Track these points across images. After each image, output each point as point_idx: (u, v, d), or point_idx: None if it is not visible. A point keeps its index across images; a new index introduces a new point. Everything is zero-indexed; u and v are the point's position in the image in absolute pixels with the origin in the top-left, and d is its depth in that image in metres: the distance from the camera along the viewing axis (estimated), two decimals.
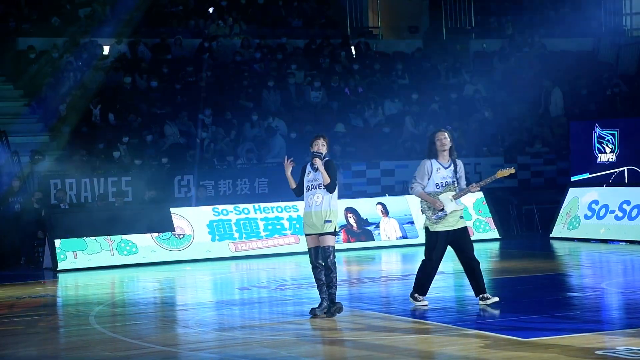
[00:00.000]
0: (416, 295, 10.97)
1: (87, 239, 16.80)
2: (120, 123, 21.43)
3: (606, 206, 18.62)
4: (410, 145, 22.95)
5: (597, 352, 8.03)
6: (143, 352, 9.03)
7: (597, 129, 19.22)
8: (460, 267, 11.18)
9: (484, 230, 19.48)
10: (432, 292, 12.31)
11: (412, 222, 19.01)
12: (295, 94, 23.96)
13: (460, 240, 10.77)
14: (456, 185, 10.71)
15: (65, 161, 20.11)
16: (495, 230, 19.51)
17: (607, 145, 19.02)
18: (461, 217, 10.78)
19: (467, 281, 11.16)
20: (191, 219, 17.75)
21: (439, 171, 10.65)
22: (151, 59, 23.83)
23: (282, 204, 18.43)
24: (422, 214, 10.97)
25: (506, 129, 24.02)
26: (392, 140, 23.07)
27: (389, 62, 25.97)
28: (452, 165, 10.71)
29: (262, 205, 18.37)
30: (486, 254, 17.72)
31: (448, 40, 28.05)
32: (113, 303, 12.83)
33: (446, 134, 10.67)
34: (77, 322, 11.08)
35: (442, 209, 10.64)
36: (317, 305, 10.52)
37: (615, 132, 18.88)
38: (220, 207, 18.19)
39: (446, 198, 10.66)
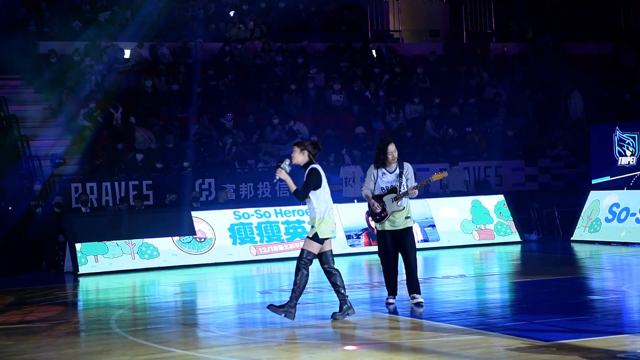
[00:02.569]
0: (387, 296, 11.43)
1: (108, 243, 16.83)
2: (142, 126, 21.46)
3: (627, 209, 18.50)
4: (431, 148, 22.88)
5: (618, 355, 7.96)
6: (164, 356, 9.02)
7: (618, 132, 19.11)
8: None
9: (505, 233, 19.38)
10: (453, 295, 12.28)
11: (433, 225, 18.94)
12: (316, 97, 23.95)
13: (403, 241, 11.28)
14: (401, 187, 11.21)
15: (86, 165, 20.19)
16: (516, 233, 19.42)
17: (627, 149, 18.92)
18: (407, 217, 11.24)
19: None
20: (212, 223, 17.76)
21: (384, 176, 11.27)
22: (172, 62, 23.89)
23: (304, 208, 18.38)
24: (369, 215, 11.78)
25: (526, 132, 23.91)
26: (413, 143, 23.01)
27: (410, 66, 25.92)
28: (398, 168, 11.23)
29: (284, 208, 18.35)
30: (507, 257, 17.65)
31: (468, 43, 27.96)
32: (134, 307, 12.84)
33: (394, 146, 11.29)
34: (98, 326, 11.10)
35: (383, 210, 11.19)
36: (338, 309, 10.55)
37: (636, 135, 18.77)
38: (242, 210, 18.18)
39: (389, 199, 11.21)
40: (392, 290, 11.38)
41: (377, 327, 10.22)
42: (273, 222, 18.17)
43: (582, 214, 19.24)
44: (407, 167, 11.32)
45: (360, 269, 16.40)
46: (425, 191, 21.40)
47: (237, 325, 10.82)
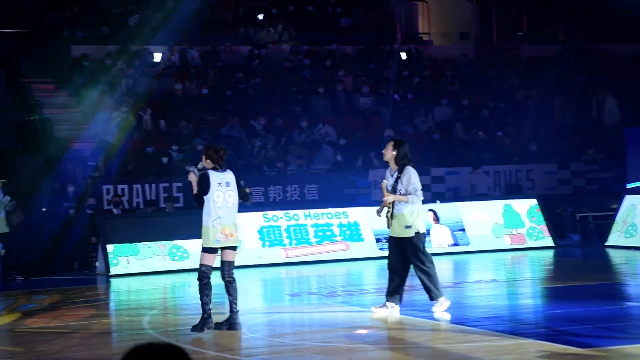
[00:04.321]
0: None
1: (139, 244, 16.91)
2: (171, 129, 21.58)
3: None
4: (460, 151, 22.80)
5: None
6: (196, 357, 9.04)
7: None
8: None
9: (537, 238, 19.24)
10: (484, 300, 12.21)
11: (463, 230, 18.85)
12: (344, 100, 23.94)
13: (404, 250, 10.95)
14: (396, 193, 11.01)
15: (118, 167, 20.30)
16: (549, 237, 19.26)
17: None
18: (407, 226, 10.91)
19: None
20: (241, 225, 17.75)
21: (388, 179, 11.13)
22: (201, 65, 23.99)
23: (332, 211, 18.39)
24: None
25: (559, 136, 23.75)
26: (442, 146, 22.94)
27: (439, 68, 25.85)
28: (397, 173, 10.98)
29: (312, 211, 18.34)
30: (540, 262, 17.53)
31: (499, 46, 27.84)
32: (165, 308, 12.90)
33: (388, 146, 11.06)
34: (130, 326, 11.15)
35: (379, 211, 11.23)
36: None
37: None
38: (271, 213, 18.19)
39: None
40: (390, 293, 11.12)
41: (407, 331, 10.19)
42: (302, 225, 18.17)
43: (617, 219, 19.00)
44: (405, 172, 10.90)
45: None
46: (455, 195, 21.37)
47: (267, 328, 10.83)
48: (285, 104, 23.27)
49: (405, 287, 13.97)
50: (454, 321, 10.49)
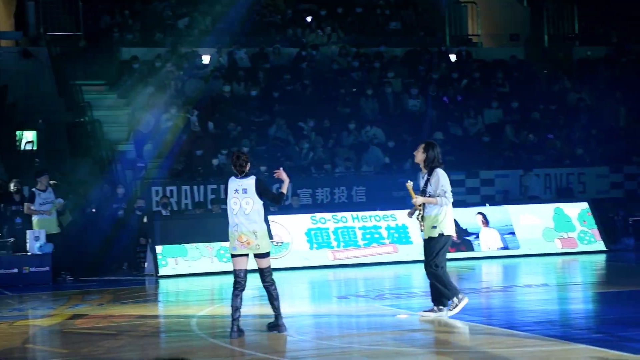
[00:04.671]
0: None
1: (188, 246, 16.98)
2: (220, 131, 21.65)
3: None
4: (510, 154, 22.59)
5: None
6: (245, 359, 9.03)
7: None
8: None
9: (589, 242, 18.96)
10: (535, 304, 12.05)
11: (513, 233, 18.65)
12: (393, 102, 23.83)
13: (425, 250, 11.00)
14: (425, 195, 10.96)
15: (166, 169, 20.43)
16: (601, 242, 18.96)
17: None
18: (433, 227, 10.90)
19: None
20: (289, 227, 17.78)
21: (420, 180, 11.10)
22: (250, 67, 24.04)
23: (380, 213, 18.31)
24: None
25: (611, 138, 23.39)
26: (492, 149, 22.74)
27: (489, 70, 25.62)
28: (427, 175, 10.94)
29: (360, 214, 18.27)
30: (591, 267, 17.28)
31: (550, 47, 27.51)
32: (213, 309, 12.91)
33: (419, 148, 11.04)
34: (178, 327, 11.18)
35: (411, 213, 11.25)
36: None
37: None
38: (318, 215, 18.17)
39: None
40: (435, 298, 11.02)
41: (457, 334, 10.07)
42: (350, 228, 18.11)
43: None
44: (434, 174, 10.86)
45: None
46: (504, 197, 21.18)
47: (314, 331, 10.78)
48: (334, 106, 23.23)
49: None
50: (504, 325, 10.34)
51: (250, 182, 9.98)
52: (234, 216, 10.04)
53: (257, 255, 10.11)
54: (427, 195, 10.85)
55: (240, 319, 10.05)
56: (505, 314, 11.18)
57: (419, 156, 10.95)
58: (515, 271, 16.81)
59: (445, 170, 11.07)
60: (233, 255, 10.18)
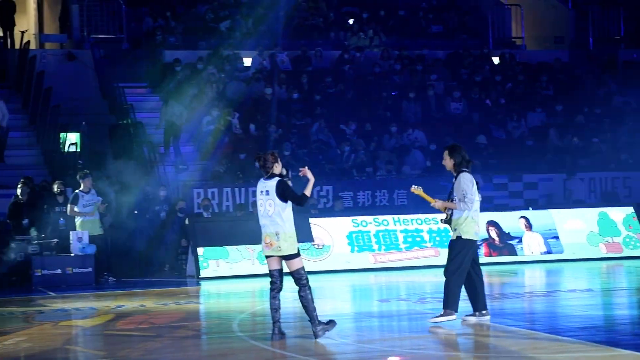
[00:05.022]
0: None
1: (229, 248, 17.00)
2: (261, 134, 21.67)
3: None
4: (554, 157, 22.35)
5: None
6: None
7: None
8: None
9: (634, 247, 18.70)
10: (580, 309, 11.88)
11: (557, 237, 18.44)
12: (435, 105, 23.70)
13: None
14: (449, 198, 10.87)
15: (208, 171, 20.49)
16: None
17: None
18: (454, 230, 10.78)
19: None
20: (330, 230, 17.73)
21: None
22: (292, 70, 24.05)
23: (422, 216, 18.19)
24: None
25: None
26: (535, 152, 22.53)
27: (533, 73, 25.39)
28: (454, 179, 10.81)
29: (402, 217, 18.18)
30: (637, 272, 17.03)
31: (595, 50, 27.19)
32: (254, 312, 12.90)
33: (445, 155, 10.89)
34: (220, 329, 11.19)
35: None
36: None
37: None
38: (360, 218, 18.10)
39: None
40: (474, 303, 10.87)
41: (500, 338, 9.95)
42: (391, 231, 18.03)
43: None
44: (458, 178, 10.71)
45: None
46: (548, 202, 20.96)
47: (356, 334, 10.72)
48: (375, 109, 23.15)
49: (496, 295, 13.77)
50: (547, 330, 10.21)
51: (272, 183, 9.96)
52: (260, 217, 10.11)
53: (286, 257, 10.01)
54: (451, 199, 10.73)
55: (280, 320, 10.00)
56: (549, 319, 11.04)
57: (448, 162, 10.81)
58: (559, 276, 16.61)
59: (476, 171, 10.98)
60: (265, 256, 10.17)
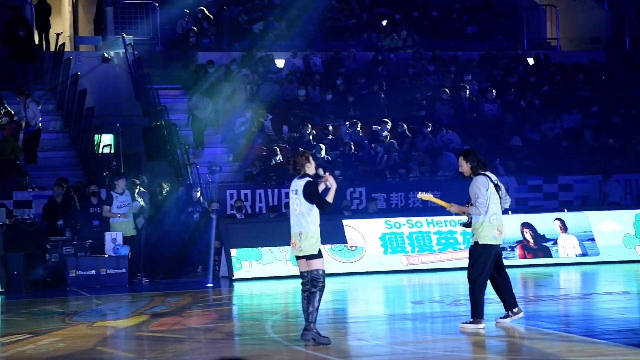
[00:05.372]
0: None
1: (262, 249, 17.00)
2: (294, 135, 21.65)
3: None
4: (589, 159, 22.14)
5: None
6: None
7: None
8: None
9: None
10: (616, 312, 11.74)
11: (592, 239, 18.25)
12: (469, 106, 23.57)
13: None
14: (468, 202, 10.78)
15: (241, 172, 20.51)
16: None
17: None
18: (473, 234, 10.69)
19: None
20: (363, 231, 17.68)
21: None
22: (324, 72, 24.03)
23: (456, 218, 18.05)
24: None
25: None
26: (570, 154, 22.33)
27: (568, 74, 25.17)
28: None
29: (435, 218, 18.06)
30: None
31: (631, 51, 26.90)
32: (287, 313, 12.89)
33: (460, 162, 10.72)
34: (253, 330, 11.17)
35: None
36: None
37: None
38: (393, 219, 18.02)
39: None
40: (506, 305, 10.77)
41: (534, 341, 9.85)
42: (425, 232, 17.93)
43: None
44: (472, 182, 10.56)
45: (514, 282, 15.85)
46: (583, 203, 20.77)
47: (389, 336, 10.67)
48: (409, 110, 23.06)
49: (530, 297, 13.66)
50: (583, 333, 10.11)
51: (302, 183, 9.91)
52: (290, 217, 10.09)
53: (306, 257, 9.86)
54: (467, 203, 10.63)
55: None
56: (585, 322, 10.93)
57: (465, 167, 10.62)
58: (595, 278, 16.44)
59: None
60: (295, 257, 10.17)
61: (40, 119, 20.31)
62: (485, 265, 10.46)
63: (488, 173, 10.61)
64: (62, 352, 9.93)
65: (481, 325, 10.39)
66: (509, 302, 10.75)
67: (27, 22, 22.60)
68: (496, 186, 10.57)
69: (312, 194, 9.81)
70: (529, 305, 12.85)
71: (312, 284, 9.84)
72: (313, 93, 23.18)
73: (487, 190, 10.44)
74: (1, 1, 23.78)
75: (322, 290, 9.81)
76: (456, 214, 11.08)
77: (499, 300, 10.92)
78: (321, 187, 9.98)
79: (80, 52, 24.35)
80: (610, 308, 12.23)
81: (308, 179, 9.91)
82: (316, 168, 10.24)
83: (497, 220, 10.49)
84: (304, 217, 9.84)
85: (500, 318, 10.82)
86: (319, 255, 9.87)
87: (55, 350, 10.05)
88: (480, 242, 10.48)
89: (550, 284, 15.88)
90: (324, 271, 9.88)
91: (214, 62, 23.02)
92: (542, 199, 20.91)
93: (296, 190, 9.93)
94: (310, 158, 10.06)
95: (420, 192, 11.07)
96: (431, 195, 10.95)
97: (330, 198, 9.89)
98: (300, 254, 9.89)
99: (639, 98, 24.43)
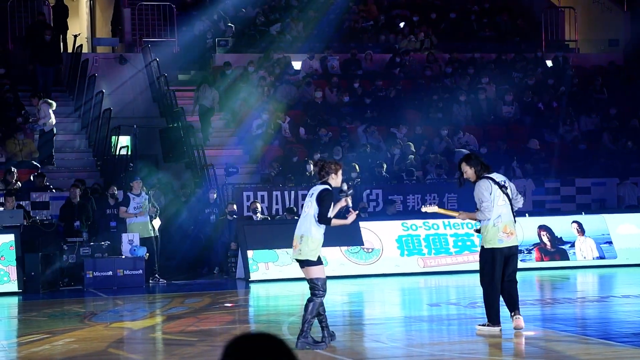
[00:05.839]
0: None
1: (278, 251, 16.99)
2: (311, 137, 21.66)
3: None
4: (607, 162, 22.01)
5: None
6: None
7: None
8: None
9: None
10: (634, 315, 11.66)
11: (610, 242, 18.14)
12: (486, 108, 23.50)
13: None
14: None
15: (257, 174, 20.52)
16: None
17: None
18: (482, 238, 10.57)
19: None
20: (380, 233, 17.64)
21: None
22: (342, 74, 24.01)
23: (473, 220, 17.98)
24: None
25: None
26: (588, 156, 22.21)
27: (587, 76, 25.05)
28: None
29: (452, 221, 18.00)
30: None
31: None
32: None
33: (463, 167, 10.45)
34: (269, 332, 11.12)
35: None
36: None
37: None
38: (409, 222, 17.98)
39: None
40: (510, 308, 10.48)
41: (551, 343, 9.79)
42: (441, 235, 17.88)
43: None
44: (475, 187, 10.36)
45: (531, 284, 15.87)
46: (601, 206, 20.66)
47: (406, 338, 10.64)
48: (426, 112, 23.02)
49: (547, 300, 13.59)
50: (601, 336, 10.03)
51: (319, 187, 9.76)
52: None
53: (303, 263, 9.68)
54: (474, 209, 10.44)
55: (325, 325, 9.78)
56: (602, 325, 10.86)
57: (469, 173, 10.36)
58: (612, 281, 16.35)
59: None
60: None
61: (51, 120, 20.34)
62: (494, 269, 10.21)
63: (492, 175, 10.37)
64: (75, 353, 9.94)
65: (497, 329, 10.27)
66: (511, 304, 10.40)
67: (51, 27, 22.74)
68: (502, 187, 10.31)
69: (323, 200, 9.62)
70: (546, 307, 12.81)
71: (311, 292, 9.69)
72: (330, 95, 23.17)
73: (490, 194, 10.20)
74: (23, 8, 23.88)
75: (321, 298, 9.64)
76: (468, 222, 10.93)
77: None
78: (342, 204, 9.85)
79: (97, 53, 24.45)
80: (628, 311, 12.15)
81: (326, 186, 9.75)
82: (341, 183, 10.01)
83: (503, 222, 10.21)
84: (310, 220, 9.66)
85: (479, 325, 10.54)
86: (318, 262, 9.68)
87: (68, 351, 10.07)
88: (485, 247, 10.30)
89: (568, 287, 15.81)
90: (323, 280, 9.69)
91: (231, 63, 23.05)
92: (559, 202, 20.81)
93: (312, 194, 9.82)
94: (340, 171, 9.85)
95: (423, 206, 10.91)
96: (436, 207, 10.82)
97: (335, 221, 9.68)
98: (299, 258, 9.71)
99: None
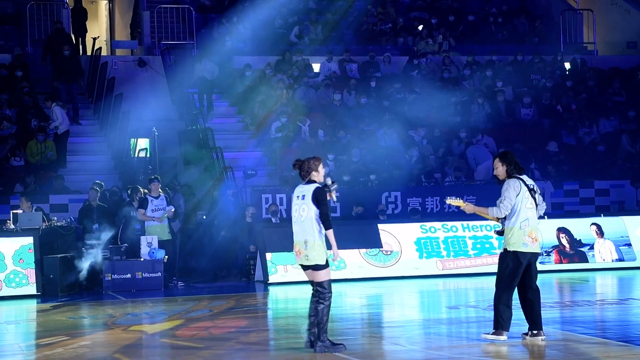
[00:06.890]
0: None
1: None
2: (329, 139, 21.67)
3: None
4: (626, 164, 21.93)
5: None
6: None
7: None
8: None
9: None
10: None
11: (629, 244, 18.08)
12: (504, 110, 23.45)
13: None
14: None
15: (276, 176, 20.55)
16: None
17: None
18: (504, 240, 10.23)
19: None
20: (399, 236, 17.65)
21: None
22: (360, 76, 24.02)
23: (492, 223, 17.96)
24: None
25: None
26: (607, 158, 22.14)
27: (605, 79, 24.96)
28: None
29: (471, 223, 17.99)
30: None
31: None
32: None
33: (496, 165, 10.19)
34: (288, 335, 11.18)
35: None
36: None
37: None
38: (428, 224, 17.98)
39: None
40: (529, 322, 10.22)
41: (570, 346, 9.77)
42: (460, 237, 17.87)
43: None
44: (504, 183, 10.03)
45: (550, 287, 15.83)
46: (620, 208, 20.60)
47: (425, 340, 10.64)
48: (444, 114, 22.99)
49: (567, 303, 13.55)
50: (620, 339, 10.01)
51: (310, 188, 9.53)
52: (293, 224, 9.70)
53: (311, 268, 9.57)
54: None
55: (317, 329, 9.64)
56: (621, 327, 10.82)
57: (500, 170, 10.09)
58: (632, 283, 16.29)
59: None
60: (301, 267, 9.83)
61: (62, 121, 20.41)
62: (513, 274, 9.97)
63: (523, 177, 10.12)
64: (82, 358, 9.91)
65: (502, 337, 10.00)
66: (532, 321, 10.12)
67: (70, 39, 22.81)
68: (531, 190, 10.08)
69: (320, 202, 9.47)
70: (565, 310, 12.78)
71: (319, 296, 9.60)
72: (348, 97, 23.18)
73: (517, 195, 9.94)
74: (42, 11, 24.01)
75: (329, 300, 9.60)
76: (476, 215, 10.67)
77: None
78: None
79: (116, 56, 24.56)
80: None
81: (317, 185, 9.58)
82: (325, 177, 9.78)
83: (530, 227, 9.96)
84: (311, 224, 9.49)
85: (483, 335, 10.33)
86: (326, 265, 9.59)
87: (76, 355, 10.04)
88: (509, 249, 10.00)
89: (587, 289, 15.76)
90: (329, 282, 9.63)
91: (250, 66, 23.10)
92: (578, 204, 20.77)
93: (303, 196, 9.56)
94: (321, 166, 9.66)
95: (448, 198, 10.76)
96: (461, 201, 10.49)
97: (331, 240, 9.54)
98: (307, 264, 9.58)
99: None
